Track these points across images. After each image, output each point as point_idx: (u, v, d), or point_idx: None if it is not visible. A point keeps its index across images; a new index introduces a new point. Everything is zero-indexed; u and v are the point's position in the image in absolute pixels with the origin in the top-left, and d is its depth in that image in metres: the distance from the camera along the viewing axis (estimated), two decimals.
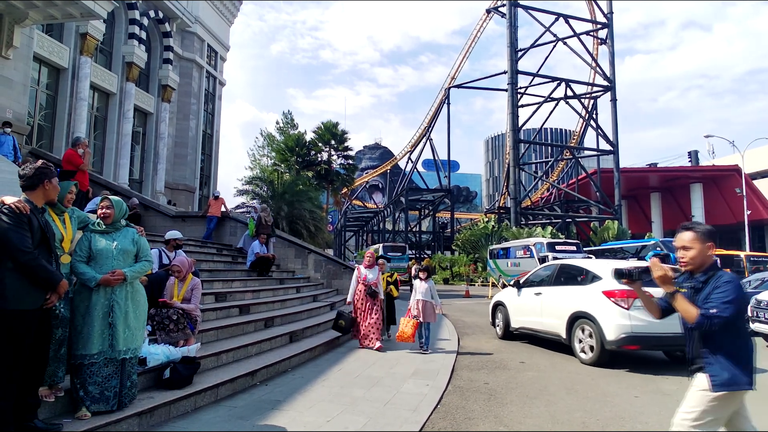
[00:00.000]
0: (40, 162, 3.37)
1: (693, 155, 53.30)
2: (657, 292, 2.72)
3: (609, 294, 6.74)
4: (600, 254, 23.36)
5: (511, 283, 9.87)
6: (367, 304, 7.75)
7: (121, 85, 20.73)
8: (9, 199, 3.07)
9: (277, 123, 43.27)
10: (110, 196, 4.01)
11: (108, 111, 20.64)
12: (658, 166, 49.68)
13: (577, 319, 7.17)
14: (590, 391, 5.48)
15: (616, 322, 6.54)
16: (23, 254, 2.97)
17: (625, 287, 6.41)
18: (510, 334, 9.02)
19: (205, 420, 4.14)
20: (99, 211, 3.82)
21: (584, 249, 23.49)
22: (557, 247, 21.18)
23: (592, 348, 6.87)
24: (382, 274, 8.56)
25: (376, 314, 7.78)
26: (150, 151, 23.14)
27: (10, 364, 2.95)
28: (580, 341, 7.07)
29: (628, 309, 6.53)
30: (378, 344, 7.56)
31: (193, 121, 25.76)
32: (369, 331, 7.66)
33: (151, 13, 22.25)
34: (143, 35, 21.56)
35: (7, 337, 2.94)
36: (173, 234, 7.05)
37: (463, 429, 4.20)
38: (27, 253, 2.98)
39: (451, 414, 4.56)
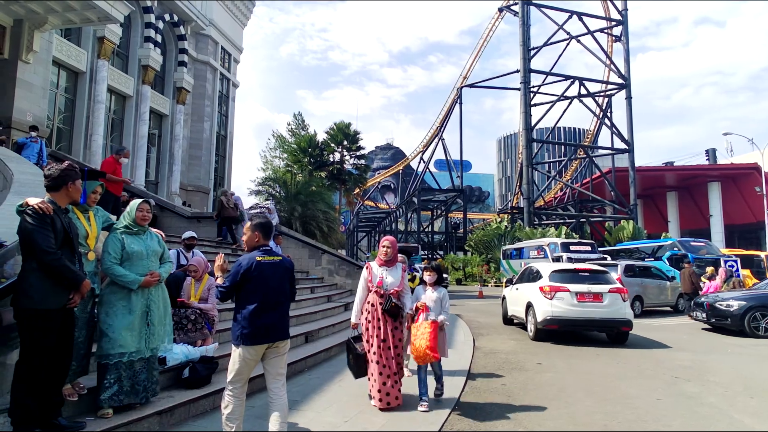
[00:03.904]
0: (65, 163, 3.40)
1: (711, 153, 52.28)
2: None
3: (541, 289, 8.89)
4: (615, 254, 23.04)
5: (506, 280, 12.98)
6: (385, 327, 4.52)
7: (138, 87, 21.01)
8: (33, 201, 3.11)
9: (288, 125, 43.57)
10: (148, 199, 4.17)
11: (125, 113, 20.93)
12: (675, 164, 48.86)
13: (529, 307, 9.30)
14: (609, 393, 5.40)
15: (543, 308, 8.69)
16: (47, 254, 3.01)
17: (552, 283, 8.80)
18: (510, 321, 11.38)
19: None
20: (139, 214, 3.88)
21: (599, 249, 23.13)
22: (571, 248, 20.80)
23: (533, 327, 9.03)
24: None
25: (397, 345, 4.57)
26: (165, 152, 23.42)
27: (35, 364, 2.99)
28: (529, 323, 9.30)
29: (551, 299, 8.61)
30: (397, 399, 4.49)
31: (207, 123, 26.02)
32: (387, 377, 4.46)
33: (167, 17, 22.52)
34: (159, 38, 21.82)
35: (32, 336, 3.00)
36: (190, 233, 7.14)
37: (482, 430, 4.17)
38: (50, 253, 3.02)
39: (469, 415, 4.52)
